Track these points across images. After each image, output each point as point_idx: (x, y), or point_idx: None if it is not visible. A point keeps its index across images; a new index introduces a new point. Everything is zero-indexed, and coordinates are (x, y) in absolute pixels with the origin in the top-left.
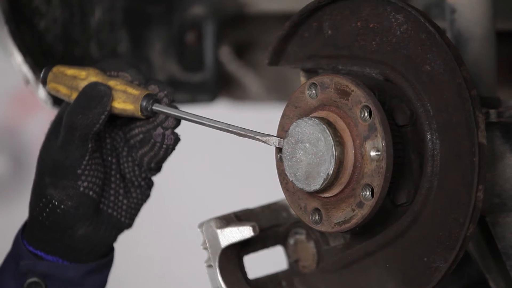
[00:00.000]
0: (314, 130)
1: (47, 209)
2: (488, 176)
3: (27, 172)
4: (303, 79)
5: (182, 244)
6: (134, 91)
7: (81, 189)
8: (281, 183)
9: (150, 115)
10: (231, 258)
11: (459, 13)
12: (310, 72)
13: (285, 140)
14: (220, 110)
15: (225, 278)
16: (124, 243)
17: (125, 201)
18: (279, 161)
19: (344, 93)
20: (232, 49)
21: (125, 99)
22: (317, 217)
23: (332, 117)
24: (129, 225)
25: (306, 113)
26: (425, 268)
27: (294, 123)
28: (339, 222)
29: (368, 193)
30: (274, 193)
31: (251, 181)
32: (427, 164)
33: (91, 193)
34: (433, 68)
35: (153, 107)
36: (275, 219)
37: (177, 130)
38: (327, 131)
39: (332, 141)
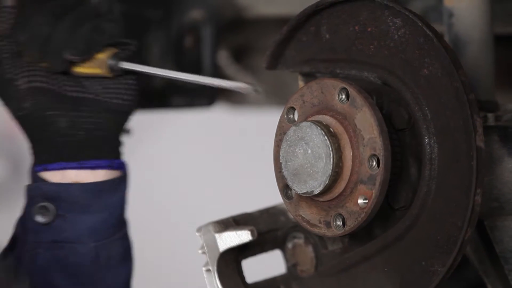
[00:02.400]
0: (318, 140)
1: (21, 122)
2: (486, 180)
3: (26, 177)
4: (301, 83)
5: (180, 248)
6: (101, 54)
7: (22, 85)
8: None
9: (120, 74)
10: (229, 262)
11: (457, 17)
12: (308, 76)
13: (284, 140)
14: (219, 114)
15: (223, 283)
16: None
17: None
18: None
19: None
20: (230, 53)
21: (93, 63)
22: None
23: (337, 127)
24: (116, 104)
25: (323, 110)
26: (423, 272)
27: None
28: None
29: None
30: (273, 197)
31: (249, 185)
32: (425, 168)
33: (37, 84)
34: (431, 72)
35: (121, 66)
36: (273, 223)
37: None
38: (330, 147)
39: (332, 157)
